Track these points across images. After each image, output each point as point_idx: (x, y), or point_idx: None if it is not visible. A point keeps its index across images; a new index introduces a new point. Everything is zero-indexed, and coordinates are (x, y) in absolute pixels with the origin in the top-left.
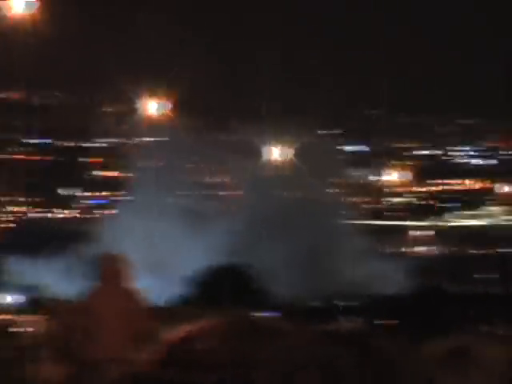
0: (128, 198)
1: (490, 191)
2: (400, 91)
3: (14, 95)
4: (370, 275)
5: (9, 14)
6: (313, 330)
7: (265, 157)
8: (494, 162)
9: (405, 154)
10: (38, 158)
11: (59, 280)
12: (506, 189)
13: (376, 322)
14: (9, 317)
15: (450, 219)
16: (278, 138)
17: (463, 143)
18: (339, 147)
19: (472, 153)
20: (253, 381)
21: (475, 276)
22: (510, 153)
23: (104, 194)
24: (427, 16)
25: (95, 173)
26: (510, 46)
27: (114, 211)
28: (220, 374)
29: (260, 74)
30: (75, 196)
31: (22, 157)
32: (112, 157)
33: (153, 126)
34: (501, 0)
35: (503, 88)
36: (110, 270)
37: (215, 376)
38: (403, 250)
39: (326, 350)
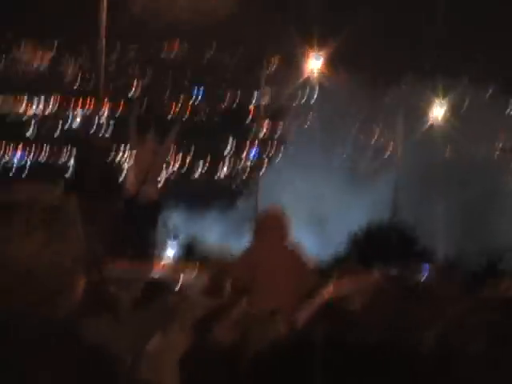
0: (288, 153)
1: None
2: None
3: (181, 51)
4: None
5: None
6: (484, 296)
7: (431, 116)
8: None
9: None
10: (202, 110)
11: (225, 235)
12: None
13: None
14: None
15: None
16: (446, 96)
17: None
18: (501, 109)
19: None
20: (412, 345)
21: None
22: None
23: (267, 149)
24: None
25: (258, 129)
26: None
27: (275, 167)
28: (372, 334)
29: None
30: (240, 150)
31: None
32: (275, 113)
33: (317, 83)
34: None
35: None
36: (273, 227)
37: (372, 337)
38: None
39: (491, 317)
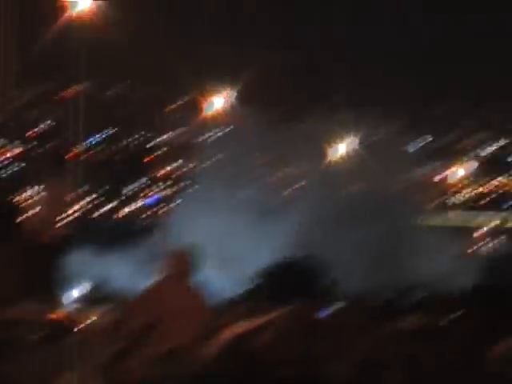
0: (194, 192)
1: None
2: (470, 83)
3: (88, 89)
4: (445, 270)
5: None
6: (393, 327)
7: (332, 149)
8: None
9: (474, 148)
10: (103, 153)
11: (127, 274)
12: None
13: (450, 317)
14: (75, 312)
15: None
16: (345, 130)
17: None
18: (406, 142)
19: None
20: (322, 378)
21: None
22: None
23: (169, 188)
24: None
25: (162, 168)
26: None
27: (179, 206)
28: (284, 370)
29: (326, 65)
30: (142, 190)
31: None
32: (179, 151)
33: (218, 120)
34: None
35: None
36: (177, 266)
37: (279, 373)
38: (472, 248)
39: (409, 347)
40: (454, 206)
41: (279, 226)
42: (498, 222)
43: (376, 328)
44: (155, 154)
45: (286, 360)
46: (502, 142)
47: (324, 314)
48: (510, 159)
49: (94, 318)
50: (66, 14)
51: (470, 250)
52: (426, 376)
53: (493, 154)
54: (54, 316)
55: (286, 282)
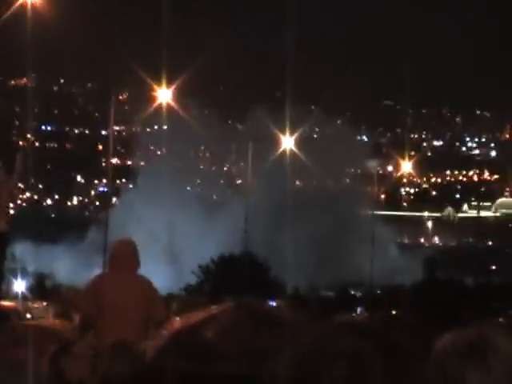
0: (140, 185)
1: (504, 183)
2: (420, 84)
3: (32, 83)
4: (386, 265)
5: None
6: (332, 322)
7: (281, 145)
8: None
9: (421, 144)
10: (55, 145)
11: (72, 266)
12: None
13: (392, 312)
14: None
15: (466, 210)
16: (295, 127)
17: (481, 135)
18: (356, 137)
19: (492, 144)
20: (261, 374)
21: (491, 268)
22: None
23: (116, 181)
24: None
25: (108, 160)
26: None
27: (126, 199)
28: (227, 364)
29: (276, 63)
30: (90, 182)
31: (38, 144)
32: (125, 145)
33: (166, 114)
34: None
35: None
36: (123, 258)
37: (222, 366)
38: (418, 240)
39: (351, 342)
40: (401, 199)
41: (223, 221)
42: (442, 214)
43: (317, 322)
44: (98, 148)
45: (230, 352)
46: (447, 138)
47: (267, 307)
48: (455, 157)
49: (39, 309)
50: (9, 10)
51: (414, 241)
52: (365, 370)
53: (438, 150)
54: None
55: (229, 277)
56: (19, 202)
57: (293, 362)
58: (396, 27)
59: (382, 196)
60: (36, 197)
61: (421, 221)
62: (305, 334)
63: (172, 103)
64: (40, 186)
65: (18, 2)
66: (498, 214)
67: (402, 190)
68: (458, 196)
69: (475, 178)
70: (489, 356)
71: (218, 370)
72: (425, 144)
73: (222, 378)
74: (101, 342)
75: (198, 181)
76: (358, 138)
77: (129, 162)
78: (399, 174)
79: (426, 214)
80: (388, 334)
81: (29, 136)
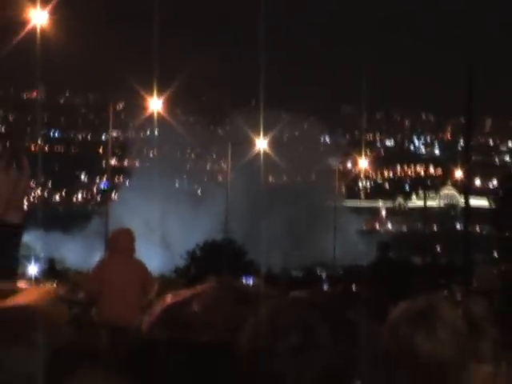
0: (135, 182)
1: (447, 177)
2: (374, 91)
3: (41, 96)
4: (347, 249)
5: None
6: (293, 296)
7: (256, 147)
8: (449, 152)
9: (375, 144)
10: (61, 149)
11: (77, 252)
12: (459, 175)
13: (351, 289)
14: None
15: (414, 200)
16: (267, 130)
17: (426, 136)
18: (320, 139)
19: (436, 144)
20: (237, 341)
21: (437, 249)
22: (462, 145)
23: (115, 179)
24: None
25: (107, 161)
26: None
27: (123, 194)
28: (208, 334)
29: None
30: (92, 180)
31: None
32: (122, 148)
33: (157, 121)
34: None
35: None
36: (121, 243)
37: (204, 336)
38: (374, 226)
39: (305, 315)
40: (359, 191)
41: (206, 212)
42: (394, 204)
43: (281, 296)
44: (99, 150)
45: (211, 323)
46: (399, 137)
47: (243, 285)
48: (407, 152)
49: (50, 288)
50: (24, 30)
51: (371, 228)
52: (314, 338)
53: (390, 149)
54: (15, 287)
55: (211, 260)
56: (31, 197)
57: (252, 333)
58: (352, 40)
59: (343, 189)
60: (46, 193)
61: (376, 210)
62: (263, 308)
63: (162, 112)
64: (49, 184)
65: (29, 26)
66: (441, 204)
67: (360, 183)
68: (407, 188)
69: (422, 173)
70: (436, 323)
71: (202, 338)
72: (378, 144)
73: (204, 344)
74: (102, 317)
75: (185, 178)
76: (322, 139)
77: (125, 163)
78: (357, 170)
79: (380, 204)
80: (333, 306)
81: (39, 141)
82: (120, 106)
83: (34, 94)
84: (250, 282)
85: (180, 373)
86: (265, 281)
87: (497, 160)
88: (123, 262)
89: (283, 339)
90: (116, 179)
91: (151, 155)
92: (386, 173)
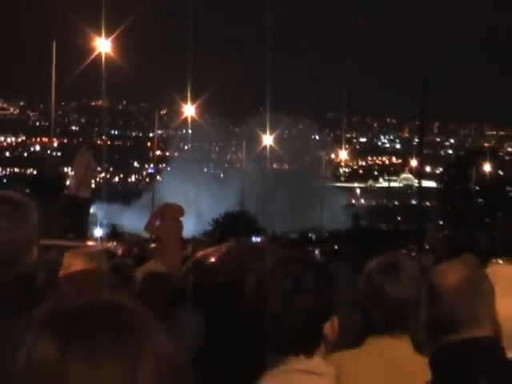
0: (174, 168)
1: (405, 165)
2: (352, 100)
3: (105, 103)
4: (331, 218)
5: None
6: (288, 253)
7: (264, 142)
8: (407, 146)
9: (352, 140)
10: (120, 143)
11: (132, 219)
12: (414, 164)
13: (333, 247)
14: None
15: (381, 182)
16: (272, 130)
17: (390, 134)
18: (312, 136)
19: (397, 140)
20: (244, 283)
21: (398, 218)
22: (416, 141)
23: (159, 166)
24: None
25: (154, 152)
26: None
27: (165, 177)
28: (225, 277)
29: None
30: (142, 166)
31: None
32: (165, 142)
33: (190, 123)
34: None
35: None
36: (170, 213)
37: (222, 278)
38: (351, 201)
39: (294, 267)
40: (340, 175)
41: (227, 191)
42: (366, 185)
43: (279, 254)
44: (147, 144)
45: (224, 270)
46: (370, 136)
47: (254, 243)
48: (375, 149)
49: (112, 248)
50: (92, 54)
51: (349, 202)
52: (303, 286)
53: (363, 144)
54: (85, 245)
55: (231, 226)
56: (98, 179)
57: (257, 279)
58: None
59: (329, 173)
60: (108, 175)
61: (353, 189)
62: (267, 261)
63: (194, 115)
64: (110, 169)
65: (96, 52)
66: (401, 185)
67: (341, 169)
68: (375, 173)
69: (386, 162)
70: (400, 273)
71: (218, 280)
72: (354, 140)
73: (220, 284)
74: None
75: (211, 165)
76: (312, 137)
77: (167, 154)
78: (339, 159)
79: (356, 184)
80: (317, 262)
81: (103, 137)
82: (163, 111)
83: (100, 102)
84: (258, 240)
85: (203, 303)
86: (270, 241)
87: (442, 153)
88: (172, 224)
89: (278, 285)
90: (160, 166)
91: (186, 148)
92: (360, 162)
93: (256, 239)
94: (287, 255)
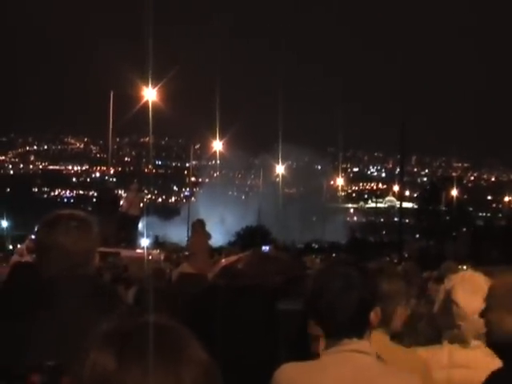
0: (206, 191)
1: (389, 190)
2: (347, 136)
3: (151, 140)
4: (332, 231)
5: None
6: (291, 259)
7: (276, 171)
8: (390, 175)
9: (347, 171)
10: (162, 171)
11: (173, 231)
12: (397, 188)
13: (332, 256)
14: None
15: (370, 203)
16: (284, 160)
17: (376, 165)
18: (316, 164)
19: (383, 170)
20: (263, 285)
21: (383, 232)
22: (398, 171)
23: (193, 189)
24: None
25: (189, 178)
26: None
27: (198, 198)
28: (247, 280)
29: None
30: (180, 190)
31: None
32: (198, 170)
33: (218, 155)
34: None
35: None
36: (200, 227)
37: (245, 281)
38: (346, 219)
39: (342, 268)
40: (338, 198)
41: (247, 210)
42: (358, 205)
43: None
44: (184, 172)
45: (249, 274)
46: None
47: (267, 252)
48: (370, 173)
49: (155, 254)
50: (141, 101)
51: (345, 220)
52: (352, 281)
53: (355, 174)
54: (136, 252)
55: (250, 237)
56: (145, 199)
57: (313, 279)
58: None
59: (329, 196)
60: (153, 197)
61: (348, 209)
62: (288, 266)
63: (222, 149)
64: (155, 191)
65: (144, 99)
66: (386, 205)
67: (338, 193)
68: (366, 196)
69: (374, 187)
70: (388, 275)
71: (243, 283)
72: (349, 170)
73: (244, 287)
74: (193, 267)
75: (235, 189)
76: (316, 166)
77: (200, 180)
78: (336, 185)
79: (350, 205)
80: (359, 263)
81: (150, 166)
82: (197, 146)
83: (147, 138)
84: (267, 248)
85: (230, 302)
86: (280, 250)
87: (418, 180)
88: (201, 237)
89: (333, 282)
90: (194, 190)
91: (215, 175)
92: (353, 187)
93: (265, 248)
94: (336, 259)
